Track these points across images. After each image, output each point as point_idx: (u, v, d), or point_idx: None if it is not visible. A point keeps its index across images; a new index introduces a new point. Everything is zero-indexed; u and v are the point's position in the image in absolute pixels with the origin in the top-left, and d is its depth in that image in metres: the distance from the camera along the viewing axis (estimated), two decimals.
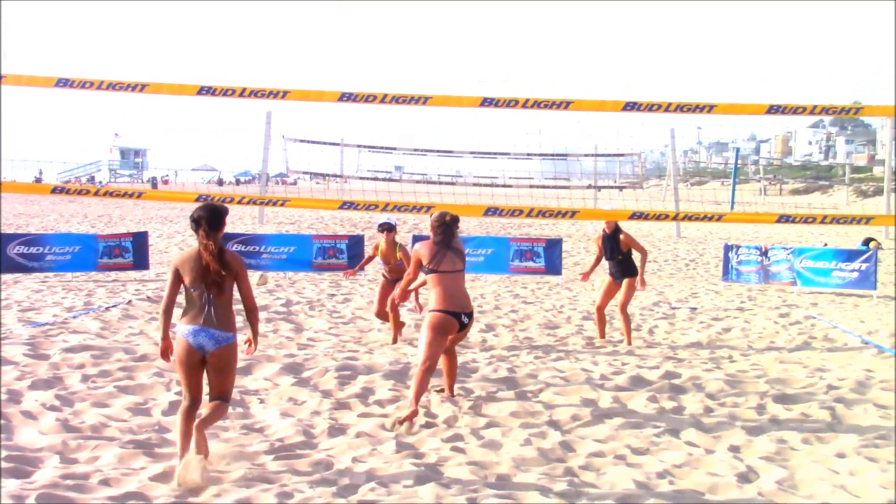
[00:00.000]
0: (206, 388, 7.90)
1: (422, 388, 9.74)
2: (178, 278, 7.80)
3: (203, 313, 7.70)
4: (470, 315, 10.23)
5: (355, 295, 19.46)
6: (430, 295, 10.08)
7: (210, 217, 7.71)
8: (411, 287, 10.78)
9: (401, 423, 9.33)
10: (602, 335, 15.17)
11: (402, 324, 14.48)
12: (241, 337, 8.13)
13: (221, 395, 7.83)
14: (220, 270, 7.66)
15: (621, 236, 14.76)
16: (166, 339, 7.99)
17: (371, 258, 15.22)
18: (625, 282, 14.88)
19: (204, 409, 7.86)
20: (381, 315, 14.60)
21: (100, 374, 11.11)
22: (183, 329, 7.73)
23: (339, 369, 11.71)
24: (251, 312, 8.00)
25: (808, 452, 8.93)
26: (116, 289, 19.59)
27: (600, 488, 7.79)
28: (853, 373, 12.51)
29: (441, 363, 10.65)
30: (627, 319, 14.91)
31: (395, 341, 14.11)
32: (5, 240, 21.65)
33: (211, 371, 7.79)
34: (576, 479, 8.00)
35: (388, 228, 14.50)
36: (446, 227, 10.20)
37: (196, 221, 7.71)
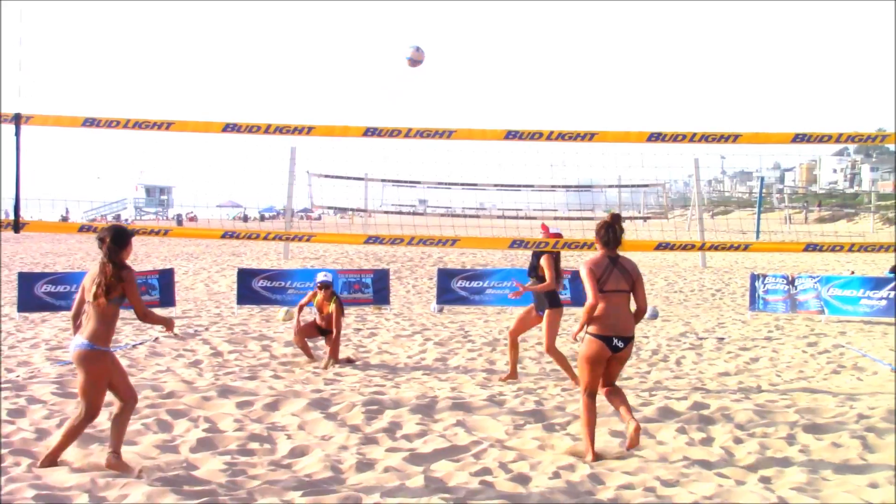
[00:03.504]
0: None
1: (590, 426, 9.52)
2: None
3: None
4: (626, 339, 9.46)
5: (381, 329, 19.46)
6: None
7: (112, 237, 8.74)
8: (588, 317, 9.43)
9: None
10: (510, 372, 14.08)
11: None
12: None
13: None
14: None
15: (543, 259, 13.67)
16: None
17: (306, 304, 15.90)
18: (546, 314, 13.77)
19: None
20: (298, 343, 15.58)
21: None
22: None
23: (366, 403, 11.70)
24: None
25: (839, 483, 8.85)
26: (143, 326, 19.64)
27: None
28: (884, 401, 12.41)
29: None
30: (560, 358, 13.71)
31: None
32: (35, 279, 21.78)
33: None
34: None
35: (325, 286, 15.52)
36: (611, 228, 9.51)
37: (100, 240, 8.79)
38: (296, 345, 15.73)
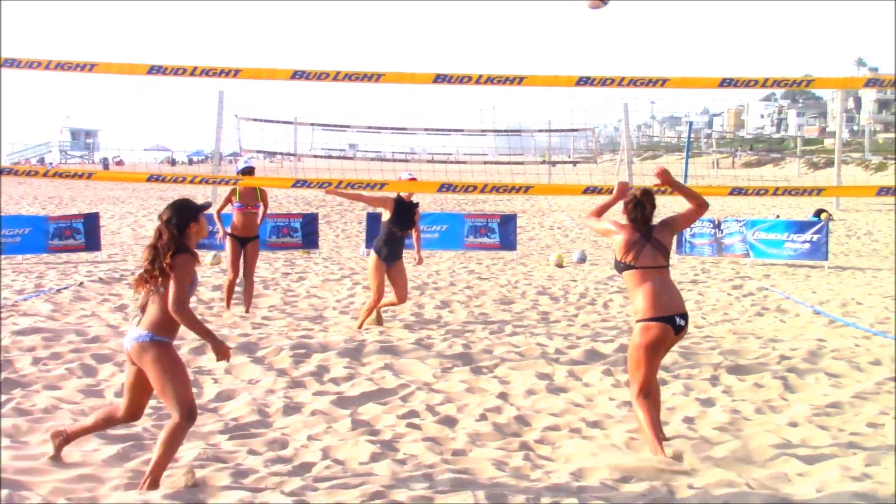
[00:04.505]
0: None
1: (654, 426, 7.98)
2: None
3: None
4: (685, 317, 8.12)
5: (310, 273, 19.38)
6: (634, 299, 8.17)
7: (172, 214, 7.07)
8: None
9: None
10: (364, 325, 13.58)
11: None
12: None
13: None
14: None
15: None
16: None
17: (228, 201, 14.68)
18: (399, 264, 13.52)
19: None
20: (233, 287, 14.67)
21: (51, 357, 10.98)
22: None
23: (294, 347, 11.66)
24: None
25: (760, 422, 9.00)
26: (68, 270, 19.41)
27: (556, 461, 7.82)
28: (805, 343, 12.61)
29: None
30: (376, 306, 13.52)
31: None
32: None
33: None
34: (531, 452, 8.02)
35: (249, 172, 14.43)
36: (640, 205, 8.27)
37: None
38: (227, 284, 14.72)
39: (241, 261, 14.60)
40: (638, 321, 8.05)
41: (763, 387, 10.35)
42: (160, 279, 6.91)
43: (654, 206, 8.27)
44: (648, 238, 8.14)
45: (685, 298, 16.21)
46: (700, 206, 8.56)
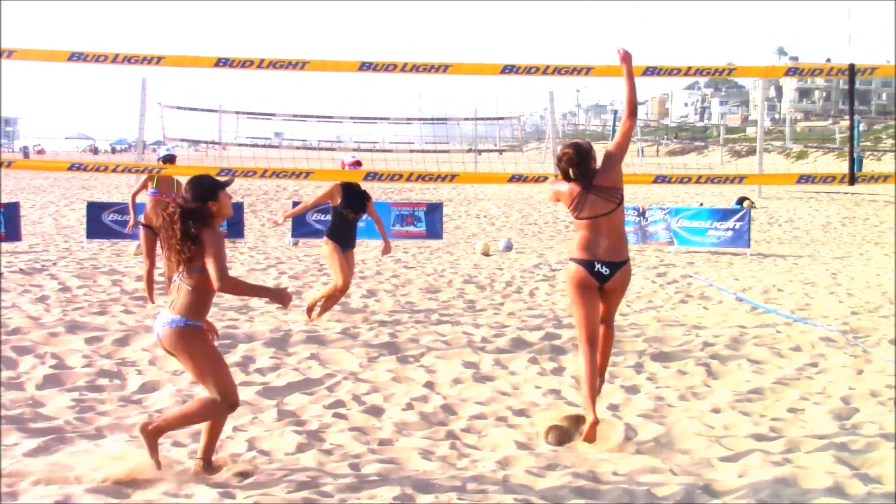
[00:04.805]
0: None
1: (591, 378, 7.89)
2: None
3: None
4: (612, 265, 8.01)
5: (235, 263, 19.25)
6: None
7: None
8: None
9: (581, 437, 7.79)
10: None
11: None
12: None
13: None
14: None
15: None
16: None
17: (144, 187, 14.59)
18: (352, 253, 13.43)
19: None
20: (152, 277, 14.37)
21: None
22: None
23: (219, 338, 11.52)
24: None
25: (684, 409, 9.10)
26: None
27: (482, 450, 7.84)
28: (728, 330, 12.77)
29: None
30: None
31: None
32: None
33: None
34: (458, 441, 8.03)
35: (170, 160, 14.37)
36: (571, 161, 8.06)
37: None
38: (145, 275, 14.50)
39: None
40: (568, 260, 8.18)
41: (686, 373, 10.48)
42: (190, 261, 6.65)
43: (586, 157, 8.08)
44: (589, 187, 7.99)
45: None
46: (630, 114, 8.44)
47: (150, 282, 14.37)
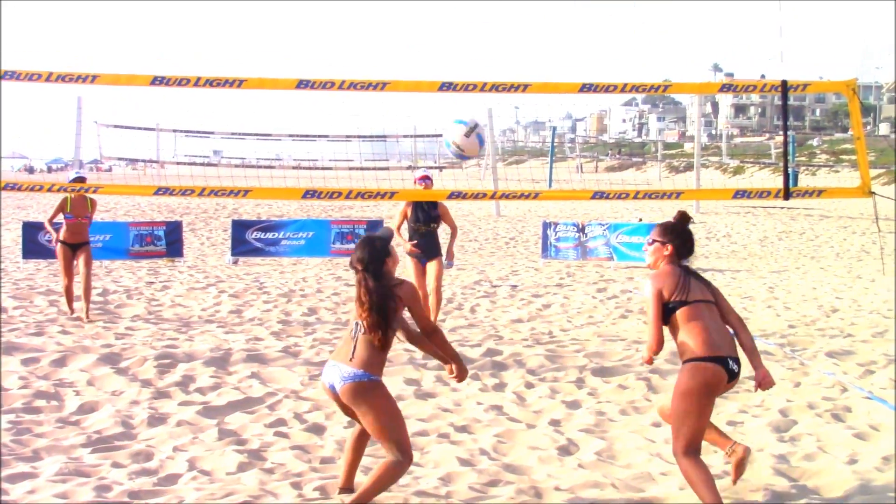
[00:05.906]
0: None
1: (710, 485, 6.54)
2: None
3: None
4: (739, 362, 6.84)
5: (175, 282, 19.10)
6: (682, 339, 6.99)
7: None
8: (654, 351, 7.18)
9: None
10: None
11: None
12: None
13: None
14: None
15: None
16: None
17: (61, 211, 14.89)
18: (437, 261, 13.90)
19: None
20: (71, 291, 14.86)
21: None
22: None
23: (159, 357, 11.48)
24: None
25: (625, 423, 9.16)
26: None
27: (424, 467, 7.84)
28: (667, 344, 12.82)
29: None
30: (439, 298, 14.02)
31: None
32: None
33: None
34: None
35: (80, 180, 14.20)
36: (685, 233, 7.14)
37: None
38: (63, 290, 14.92)
39: (75, 265, 14.82)
40: (685, 361, 6.91)
41: (627, 388, 10.54)
42: (390, 320, 6.66)
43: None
44: (688, 271, 7.05)
45: (549, 303, 16.64)
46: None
47: (69, 295, 14.89)
